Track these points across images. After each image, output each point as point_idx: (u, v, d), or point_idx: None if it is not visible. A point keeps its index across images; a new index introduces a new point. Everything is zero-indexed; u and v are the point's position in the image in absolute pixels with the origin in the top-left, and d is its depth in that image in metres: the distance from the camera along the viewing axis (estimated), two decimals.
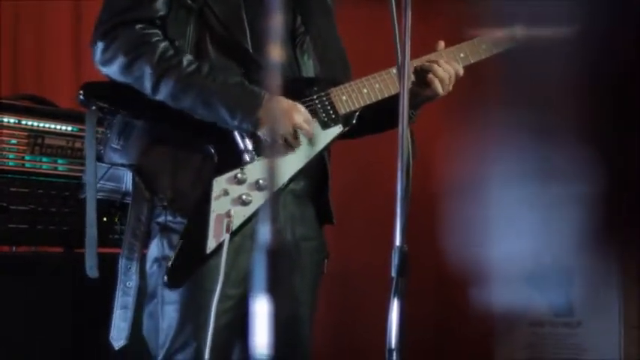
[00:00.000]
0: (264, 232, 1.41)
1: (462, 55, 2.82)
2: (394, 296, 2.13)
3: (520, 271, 4.33)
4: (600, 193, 4.05)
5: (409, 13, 2.24)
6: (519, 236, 4.24)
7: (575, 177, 4.05)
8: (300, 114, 2.62)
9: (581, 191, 4.09)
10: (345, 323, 4.47)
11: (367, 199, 4.51)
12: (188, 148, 2.60)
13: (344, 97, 2.71)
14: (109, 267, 2.65)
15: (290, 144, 2.62)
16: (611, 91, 4.09)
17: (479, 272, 4.25)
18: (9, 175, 3.00)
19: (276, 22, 1.43)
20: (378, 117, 2.76)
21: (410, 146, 2.27)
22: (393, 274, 2.15)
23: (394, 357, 2.14)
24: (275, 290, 1.39)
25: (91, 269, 2.64)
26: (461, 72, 2.79)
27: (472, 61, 2.83)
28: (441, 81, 2.74)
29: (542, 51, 2.94)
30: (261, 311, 1.38)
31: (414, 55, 2.70)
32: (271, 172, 1.51)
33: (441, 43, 2.81)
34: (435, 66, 2.74)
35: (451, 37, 2.85)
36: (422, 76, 2.74)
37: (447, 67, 2.75)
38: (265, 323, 1.38)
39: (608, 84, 4.04)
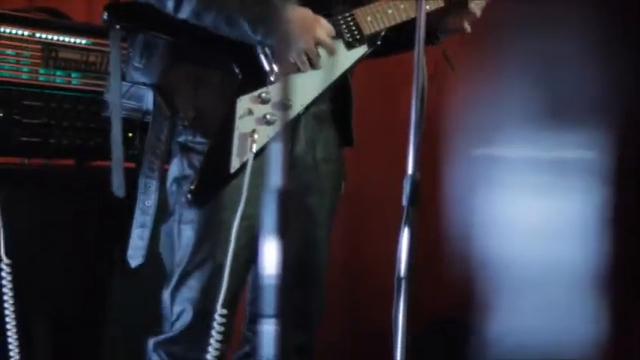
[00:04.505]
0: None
1: None
2: (405, 225, 2.11)
3: None
4: None
5: None
6: None
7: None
8: (322, 28, 2.59)
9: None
10: (355, 248, 4.44)
11: (387, 123, 4.44)
12: (211, 67, 2.57)
13: (369, 18, 2.68)
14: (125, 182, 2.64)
15: (311, 59, 2.58)
16: None
17: None
18: (22, 88, 2.97)
19: None
20: (402, 37, 2.71)
21: (424, 72, 2.21)
22: (404, 202, 2.13)
23: (403, 285, 2.13)
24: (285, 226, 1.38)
25: (119, 189, 2.64)
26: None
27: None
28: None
29: None
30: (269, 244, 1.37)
31: None
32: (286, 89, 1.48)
33: None
34: None
35: None
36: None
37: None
38: (276, 248, 1.37)
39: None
